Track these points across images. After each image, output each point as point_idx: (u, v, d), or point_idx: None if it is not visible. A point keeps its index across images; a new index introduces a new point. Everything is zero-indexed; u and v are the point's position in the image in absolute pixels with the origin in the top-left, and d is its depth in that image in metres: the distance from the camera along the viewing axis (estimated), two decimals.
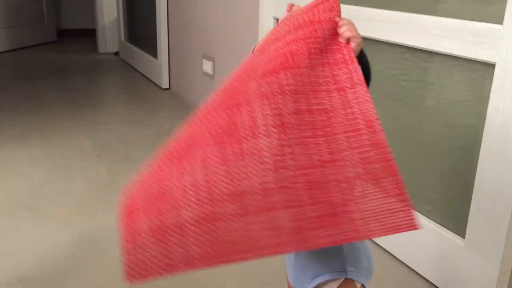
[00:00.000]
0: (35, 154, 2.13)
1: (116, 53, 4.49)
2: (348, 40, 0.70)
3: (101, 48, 4.62)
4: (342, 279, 0.78)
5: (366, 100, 0.67)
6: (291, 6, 0.80)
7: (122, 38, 4.23)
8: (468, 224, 1.20)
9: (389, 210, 0.67)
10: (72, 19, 5.49)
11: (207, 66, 2.68)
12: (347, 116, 0.67)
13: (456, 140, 1.25)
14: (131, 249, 0.65)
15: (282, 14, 1.87)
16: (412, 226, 0.67)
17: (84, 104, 2.93)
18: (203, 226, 0.62)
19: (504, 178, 1.09)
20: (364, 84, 0.68)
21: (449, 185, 1.29)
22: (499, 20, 1.07)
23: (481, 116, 1.16)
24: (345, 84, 0.68)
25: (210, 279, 1.32)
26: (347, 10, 1.49)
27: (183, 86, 3.12)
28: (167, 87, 3.32)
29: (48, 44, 4.93)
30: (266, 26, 1.96)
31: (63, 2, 5.43)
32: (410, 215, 0.67)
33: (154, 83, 3.46)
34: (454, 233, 1.27)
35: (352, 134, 0.66)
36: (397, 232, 0.67)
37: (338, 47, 0.70)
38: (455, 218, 1.27)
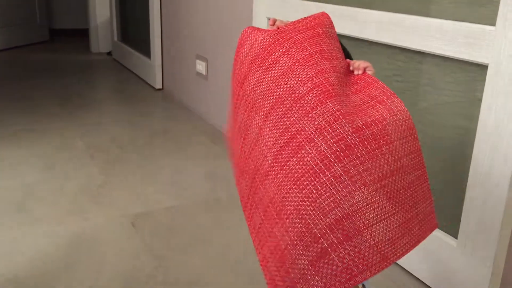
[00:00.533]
0: (27, 154, 2.12)
1: (109, 53, 4.48)
2: (364, 70, 0.79)
3: (94, 48, 4.61)
4: None
5: (404, 109, 0.71)
6: (274, 20, 0.85)
7: (115, 38, 4.21)
8: (460, 225, 1.21)
9: (428, 212, 0.73)
10: (65, 19, 5.47)
11: (201, 67, 2.67)
12: (396, 123, 0.70)
13: (449, 141, 1.25)
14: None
15: (275, 14, 1.87)
16: (435, 225, 0.73)
17: (77, 104, 2.91)
18: (318, 264, 0.66)
19: (496, 180, 1.10)
20: (397, 96, 0.73)
21: (441, 185, 1.29)
22: (491, 21, 1.08)
23: (474, 117, 1.16)
24: (382, 97, 0.72)
25: (205, 278, 1.32)
26: (341, 11, 1.50)
27: (176, 87, 3.11)
28: (160, 87, 3.32)
29: (40, 44, 4.91)
30: (259, 26, 1.96)
31: (56, 2, 5.41)
32: (434, 217, 0.73)
33: (147, 83, 3.46)
34: (447, 233, 1.27)
35: (404, 141, 0.70)
36: (428, 235, 0.72)
37: (356, 77, 0.78)
38: (448, 219, 1.27)
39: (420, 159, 0.70)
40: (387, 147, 0.67)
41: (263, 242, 0.71)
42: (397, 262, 1.40)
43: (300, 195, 0.66)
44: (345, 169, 0.65)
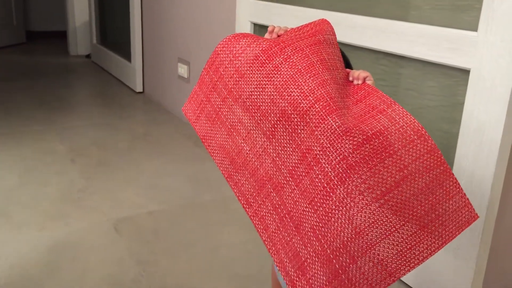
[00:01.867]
0: (5, 158, 2.08)
1: (88, 56, 4.43)
2: (364, 80, 0.79)
3: (72, 51, 4.55)
4: None
5: (407, 114, 0.71)
6: (273, 28, 0.85)
7: (94, 41, 4.17)
8: None
9: (457, 208, 0.72)
10: (42, 21, 5.39)
11: (183, 70, 2.66)
12: (399, 130, 0.70)
13: None
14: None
15: (258, 18, 1.88)
16: (474, 217, 0.72)
17: (56, 108, 2.87)
18: (333, 283, 0.68)
19: (478, 182, 1.12)
20: (398, 104, 0.73)
21: None
22: (473, 27, 1.10)
23: (456, 121, 1.19)
24: (382, 106, 0.73)
25: (191, 282, 1.31)
26: (325, 16, 1.51)
27: (157, 90, 3.09)
28: (141, 90, 3.29)
29: (16, 46, 4.82)
30: (243, 30, 1.96)
31: (33, 3, 5.33)
32: (472, 208, 0.72)
33: (127, 87, 3.43)
34: None
35: (410, 146, 0.69)
36: (466, 228, 0.72)
37: (356, 87, 0.78)
38: None
39: (437, 158, 0.70)
40: (390, 159, 0.68)
41: (279, 247, 0.74)
42: None
43: (315, 216, 0.69)
44: (348, 191, 0.67)
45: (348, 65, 0.89)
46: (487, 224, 1.13)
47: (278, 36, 0.85)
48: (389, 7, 1.33)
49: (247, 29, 1.93)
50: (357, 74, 0.79)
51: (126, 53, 3.44)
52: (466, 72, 1.13)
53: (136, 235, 1.54)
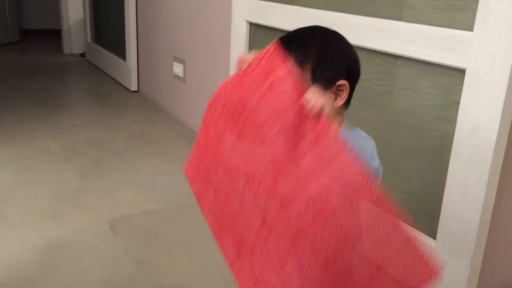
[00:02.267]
0: (0, 157, 2.07)
1: (82, 55, 4.41)
2: (320, 111, 0.69)
3: (66, 49, 4.52)
4: None
5: (353, 169, 0.67)
6: (241, 60, 0.79)
7: (89, 39, 4.15)
8: (439, 226, 1.23)
9: (418, 261, 0.73)
10: (36, 19, 5.36)
11: (178, 69, 2.66)
12: (343, 186, 0.67)
13: (427, 143, 1.28)
14: None
15: (255, 18, 1.88)
16: (432, 273, 0.74)
17: (50, 106, 2.86)
18: None
19: (474, 181, 1.13)
20: (347, 149, 0.68)
21: (419, 187, 1.32)
22: (469, 27, 1.11)
23: (451, 121, 1.19)
24: (330, 155, 0.68)
25: (187, 282, 1.31)
26: (321, 16, 1.51)
27: (152, 89, 3.08)
28: (136, 89, 3.28)
29: (10, 44, 4.79)
30: (238, 29, 1.96)
31: (26, 1, 5.30)
32: (431, 263, 0.73)
33: (122, 85, 3.41)
34: (425, 234, 1.30)
35: (354, 204, 0.68)
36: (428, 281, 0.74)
37: (310, 125, 0.70)
38: (426, 220, 1.30)
39: (387, 215, 0.69)
40: (330, 225, 0.66)
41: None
42: None
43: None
44: (287, 274, 0.69)
45: (353, 60, 0.87)
46: (482, 224, 1.13)
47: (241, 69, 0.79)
48: (386, 6, 1.33)
49: (243, 28, 1.93)
50: (311, 105, 0.69)
51: (121, 52, 3.43)
52: (462, 71, 1.14)
53: (132, 234, 1.54)
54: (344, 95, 0.83)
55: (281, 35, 0.86)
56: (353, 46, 0.91)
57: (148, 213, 1.68)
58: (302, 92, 0.71)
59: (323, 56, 0.83)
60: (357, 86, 0.88)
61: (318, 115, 0.69)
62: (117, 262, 1.38)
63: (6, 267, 1.33)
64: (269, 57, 0.75)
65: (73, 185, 1.85)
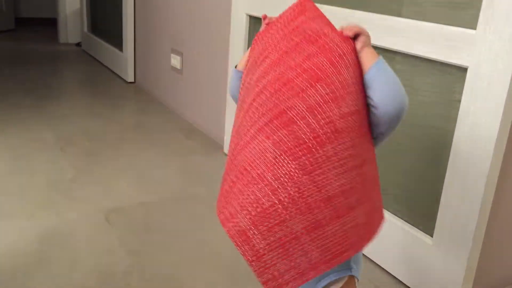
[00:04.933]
0: None
1: (78, 44, 4.37)
2: (355, 35, 0.75)
3: (62, 39, 4.49)
4: (347, 277, 0.79)
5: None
6: (265, 16, 0.84)
7: (85, 29, 4.12)
8: (436, 223, 1.23)
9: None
10: (32, 7, 5.32)
11: (175, 61, 2.64)
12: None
13: (427, 141, 1.28)
14: (262, 272, 0.69)
15: (255, 10, 1.86)
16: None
17: (44, 96, 2.83)
18: (313, 233, 0.67)
19: (472, 179, 1.13)
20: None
21: (418, 184, 1.32)
22: (472, 25, 1.10)
23: (452, 119, 1.19)
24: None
25: (182, 274, 1.31)
26: (322, 10, 1.50)
27: (149, 80, 3.07)
28: (132, 80, 3.26)
29: (5, 32, 4.75)
30: (238, 22, 1.95)
31: None
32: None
33: (119, 76, 3.39)
34: (423, 231, 1.30)
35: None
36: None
37: (352, 47, 0.76)
38: (424, 217, 1.30)
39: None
40: (363, 138, 0.72)
41: (229, 200, 0.71)
42: (374, 260, 1.42)
43: (293, 164, 0.67)
44: (335, 151, 0.68)
45: None
46: (479, 222, 1.14)
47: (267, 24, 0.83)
48: (388, 2, 1.33)
49: (243, 22, 1.91)
50: (349, 28, 0.76)
51: (117, 42, 3.40)
52: (463, 69, 1.14)
53: (127, 226, 1.53)
54: None
55: None
56: None
57: (144, 204, 1.67)
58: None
59: None
60: None
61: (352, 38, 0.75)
62: (112, 254, 1.37)
63: (0, 258, 1.32)
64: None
65: (68, 175, 1.84)
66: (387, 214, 1.37)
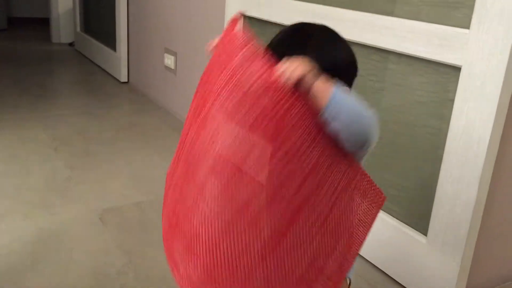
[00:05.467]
0: None
1: (71, 44, 4.35)
2: (298, 81, 0.64)
3: (55, 38, 4.46)
4: None
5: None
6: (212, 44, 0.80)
7: (78, 29, 4.10)
8: (430, 222, 1.24)
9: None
10: (24, 7, 5.28)
11: (169, 61, 2.64)
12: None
13: (420, 140, 1.28)
14: None
15: (249, 10, 1.87)
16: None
17: (38, 95, 2.82)
18: None
19: (466, 178, 1.14)
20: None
21: (412, 183, 1.32)
22: (466, 24, 1.11)
23: (445, 118, 1.19)
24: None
25: None
26: (316, 10, 1.51)
27: (142, 80, 3.06)
28: (126, 80, 3.25)
29: None
30: None
31: None
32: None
33: (112, 76, 3.38)
34: (417, 230, 1.30)
35: None
36: None
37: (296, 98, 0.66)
38: (418, 216, 1.30)
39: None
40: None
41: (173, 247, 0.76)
42: (368, 259, 1.43)
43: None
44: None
45: (350, 56, 0.87)
46: (473, 221, 1.14)
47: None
48: (381, 2, 1.33)
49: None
50: (287, 76, 0.63)
51: (111, 42, 3.39)
52: (457, 69, 1.14)
53: (122, 226, 1.52)
54: None
55: (275, 28, 0.86)
56: (348, 42, 0.90)
57: (138, 204, 1.66)
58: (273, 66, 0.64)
59: (321, 54, 0.82)
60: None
61: (298, 87, 0.63)
62: (107, 254, 1.37)
63: None
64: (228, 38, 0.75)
65: (62, 175, 1.83)
66: (381, 213, 1.37)
